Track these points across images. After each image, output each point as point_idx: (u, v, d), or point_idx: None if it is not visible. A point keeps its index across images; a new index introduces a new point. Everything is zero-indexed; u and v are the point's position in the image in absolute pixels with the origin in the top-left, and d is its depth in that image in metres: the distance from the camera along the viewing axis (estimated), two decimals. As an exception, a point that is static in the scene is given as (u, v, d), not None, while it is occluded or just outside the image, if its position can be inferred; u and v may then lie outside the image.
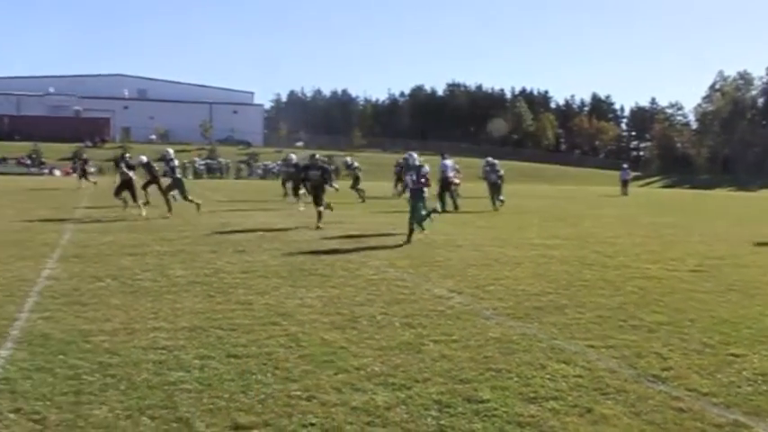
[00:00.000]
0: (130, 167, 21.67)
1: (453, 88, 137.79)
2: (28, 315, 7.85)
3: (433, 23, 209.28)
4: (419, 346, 6.84)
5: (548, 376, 6.00)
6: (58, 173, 66.07)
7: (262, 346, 6.74)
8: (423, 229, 15.89)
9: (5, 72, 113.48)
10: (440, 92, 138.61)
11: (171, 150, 22.13)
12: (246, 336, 7.10)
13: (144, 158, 22.62)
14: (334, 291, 9.55)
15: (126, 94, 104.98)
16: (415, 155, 16.24)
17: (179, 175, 21.24)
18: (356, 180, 32.40)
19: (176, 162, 21.37)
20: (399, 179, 35.84)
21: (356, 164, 34.33)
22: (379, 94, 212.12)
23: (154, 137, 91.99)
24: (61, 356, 6.28)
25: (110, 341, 6.81)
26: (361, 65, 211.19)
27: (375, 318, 8.01)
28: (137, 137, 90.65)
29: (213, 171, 73.39)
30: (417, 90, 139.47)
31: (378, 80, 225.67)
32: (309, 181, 18.97)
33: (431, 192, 16.89)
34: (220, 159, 77.32)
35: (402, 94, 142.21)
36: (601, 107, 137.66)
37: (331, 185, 18.97)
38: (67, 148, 73.99)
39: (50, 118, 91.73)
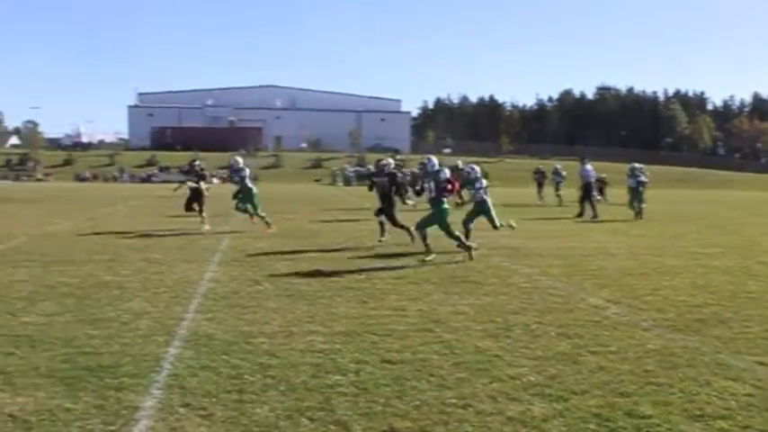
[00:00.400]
0: (201, 177, 19.60)
1: (603, 92, 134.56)
2: (193, 315, 8.24)
3: (581, 27, 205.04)
4: (576, 357, 6.67)
5: (714, 393, 5.69)
6: (215, 181, 69.08)
7: (416, 352, 6.77)
8: (458, 241, 13.44)
9: (168, 87, 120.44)
10: (589, 96, 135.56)
11: (239, 159, 20.06)
12: (400, 341, 7.15)
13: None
14: (486, 298, 9.48)
15: (278, 104, 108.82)
16: (435, 159, 13.83)
17: (250, 185, 19.05)
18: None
19: (247, 171, 19.29)
20: (540, 186, 35.27)
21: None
22: (527, 100, 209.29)
23: (304, 145, 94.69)
24: (224, 356, 6.54)
25: (269, 343, 7.03)
26: (509, 70, 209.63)
27: (529, 327, 7.88)
28: (288, 145, 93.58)
29: (362, 178, 74.49)
30: (566, 94, 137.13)
31: (525, 85, 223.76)
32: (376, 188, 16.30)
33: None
34: (369, 167, 78.52)
35: (550, 99, 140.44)
36: (763, 107, 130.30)
37: (403, 200, 16.20)
38: (224, 157, 77.29)
39: (207, 129, 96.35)
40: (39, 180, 70.27)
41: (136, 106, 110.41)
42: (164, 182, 62.94)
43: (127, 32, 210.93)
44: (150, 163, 77.74)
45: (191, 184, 19.42)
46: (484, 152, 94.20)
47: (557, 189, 33.91)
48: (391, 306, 8.87)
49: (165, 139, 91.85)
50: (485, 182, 15.38)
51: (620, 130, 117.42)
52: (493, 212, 15.12)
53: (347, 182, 69.49)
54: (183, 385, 5.72)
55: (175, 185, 19.98)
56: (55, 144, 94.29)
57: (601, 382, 5.93)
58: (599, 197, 32.11)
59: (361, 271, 11.67)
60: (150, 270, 11.47)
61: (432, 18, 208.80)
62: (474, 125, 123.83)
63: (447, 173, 13.42)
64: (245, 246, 14.91)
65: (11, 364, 6.31)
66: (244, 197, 18.83)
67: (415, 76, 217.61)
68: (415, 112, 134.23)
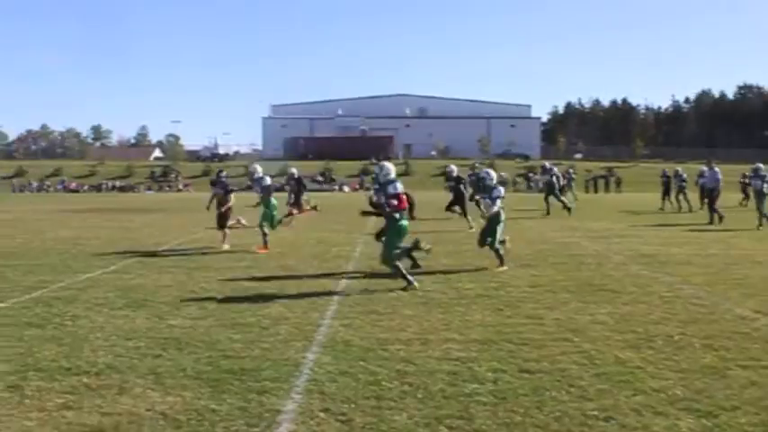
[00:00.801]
0: (229, 191, 17.21)
1: (745, 90, 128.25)
2: (330, 322, 8.38)
3: (717, 25, 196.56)
4: (724, 371, 6.34)
5: None
6: (347, 189, 70.37)
7: (554, 362, 6.62)
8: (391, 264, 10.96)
9: (301, 98, 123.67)
10: (729, 95, 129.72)
11: (258, 167, 17.69)
12: (538, 351, 7.02)
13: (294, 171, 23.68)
14: (625, 308, 9.18)
15: (407, 112, 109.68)
16: (389, 166, 11.17)
17: (272, 198, 16.66)
18: (551, 188, 28.46)
19: (268, 180, 17.09)
20: (667, 191, 33.57)
21: (555, 170, 29.91)
22: (662, 102, 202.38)
23: (434, 153, 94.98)
24: (362, 362, 6.61)
25: (405, 350, 7.05)
26: (642, 72, 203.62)
27: (672, 337, 7.57)
28: (417, 153, 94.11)
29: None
30: (703, 95, 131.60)
31: (660, 87, 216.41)
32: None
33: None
34: (501, 173, 77.87)
35: (687, 101, 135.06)
36: None
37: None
38: (355, 166, 78.76)
39: (339, 138, 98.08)
40: (179, 190, 73.59)
41: (270, 118, 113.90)
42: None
43: (258, 47, 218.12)
44: (283, 172, 79.64)
45: (220, 197, 17.13)
46: (617, 156, 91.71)
47: (678, 194, 32.26)
48: (527, 314, 8.73)
49: (297, 149, 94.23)
50: (502, 190, 13.16)
51: (762, 131, 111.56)
52: (501, 228, 12.93)
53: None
54: (322, 390, 5.82)
55: (207, 204, 17.74)
56: (194, 156, 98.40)
57: (753, 398, 5.62)
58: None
59: (494, 278, 11.56)
60: (286, 277, 11.75)
61: (560, 22, 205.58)
62: (606, 129, 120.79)
63: (399, 186, 10.80)
64: (378, 253, 14.98)
65: (160, 365, 6.61)
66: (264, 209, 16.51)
67: (544, 80, 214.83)
68: (545, 118, 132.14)
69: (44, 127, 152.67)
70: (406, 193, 11.20)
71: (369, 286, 10.86)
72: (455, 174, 23.51)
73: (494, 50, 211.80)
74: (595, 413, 5.26)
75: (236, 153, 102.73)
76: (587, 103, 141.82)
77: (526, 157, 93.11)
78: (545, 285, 10.89)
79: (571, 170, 35.31)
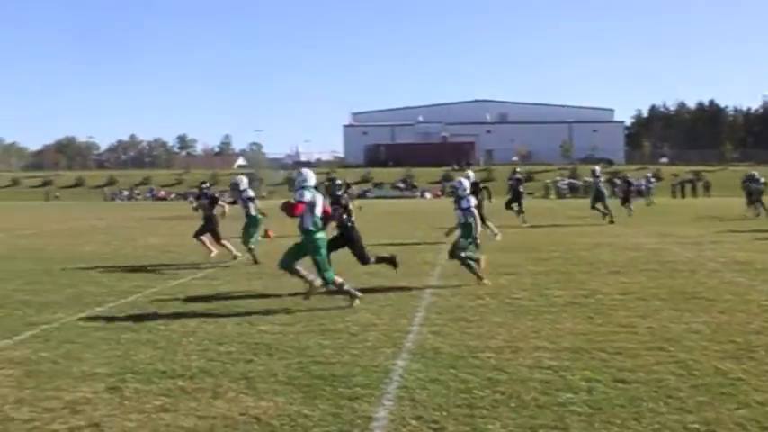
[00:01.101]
0: (213, 202, 16.20)
1: None
2: (418, 328, 8.35)
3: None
4: (834, 384, 6.06)
5: None
6: (428, 195, 70.35)
7: (650, 372, 6.44)
8: (327, 283, 10.03)
9: (381, 105, 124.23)
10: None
11: (244, 178, 16.53)
12: (632, 360, 6.83)
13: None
14: (722, 316, 8.87)
15: (488, 118, 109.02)
16: (306, 174, 10.28)
17: (254, 213, 15.60)
18: (598, 195, 27.02)
19: (251, 193, 16.00)
20: (751, 196, 31.73)
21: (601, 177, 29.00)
22: (752, 103, 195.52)
23: (516, 158, 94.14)
24: (452, 370, 6.56)
25: (496, 358, 6.97)
26: (730, 71, 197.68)
27: (775, 348, 7.28)
28: (499, 159, 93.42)
29: (576, 190, 72.87)
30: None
31: (750, 88, 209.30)
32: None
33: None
34: (586, 179, 76.51)
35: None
36: None
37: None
38: (437, 172, 78.74)
39: (420, 145, 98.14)
40: (263, 198, 74.79)
41: (350, 125, 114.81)
42: (377, 197, 64.90)
43: (339, 55, 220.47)
44: (365, 179, 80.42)
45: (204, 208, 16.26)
46: (704, 160, 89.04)
47: (752, 198, 30.63)
48: (620, 323, 8.52)
49: (378, 156, 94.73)
50: (473, 200, 12.01)
51: None
52: (474, 238, 11.86)
53: (560, 194, 68.16)
54: (413, 397, 5.79)
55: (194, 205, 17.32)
56: (276, 164, 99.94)
57: None
58: None
59: (584, 286, 11.34)
60: (373, 283, 11.78)
61: (642, 24, 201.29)
62: (692, 132, 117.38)
63: (306, 196, 9.84)
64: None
65: (252, 369, 6.70)
66: (248, 225, 15.49)
67: (627, 83, 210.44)
68: (628, 122, 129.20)
69: (133, 137, 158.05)
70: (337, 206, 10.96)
71: (456, 293, 10.78)
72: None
73: (575, 54, 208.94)
74: (696, 426, 5.09)
75: (318, 160, 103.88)
76: (672, 106, 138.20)
77: (610, 162, 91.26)
78: (636, 293, 10.62)
79: (649, 174, 34.25)
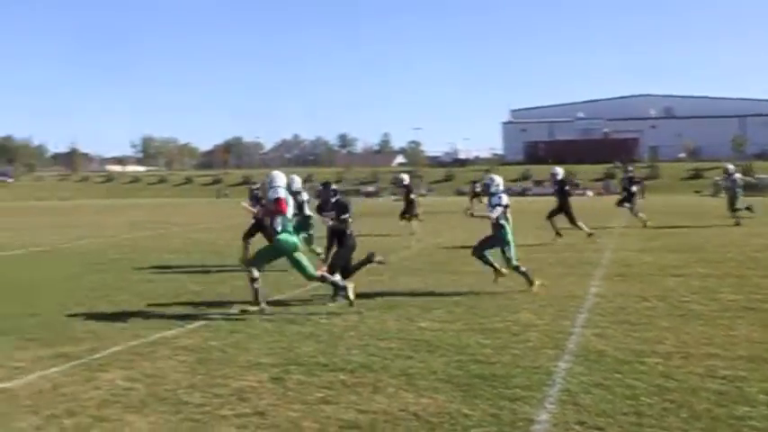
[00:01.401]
0: (258, 201, 15.11)
1: None
2: (581, 330, 8.11)
3: None
4: None
5: None
6: (590, 193, 68.54)
7: (839, 385, 5.94)
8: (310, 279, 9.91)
9: (540, 102, 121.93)
10: None
11: (296, 177, 14.21)
12: (818, 372, 6.33)
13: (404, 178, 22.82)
14: None
15: (652, 113, 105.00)
16: (275, 174, 10.53)
17: (308, 212, 14.02)
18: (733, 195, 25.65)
19: (306, 196, 14.27)
20: None
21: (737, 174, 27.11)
22: None
23: (682, 154, 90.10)
24: (617, 374, 6.32)
25: (664, 364, 6.65)
26: None
27: None
28: (664, 155, 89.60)
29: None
30: None
31: None
32: None
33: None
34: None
35: None
36: None
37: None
38: (598, 169, 76.59)
39: (580, 141, 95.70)
40: (422, 195, 75.33)
41: (509, 122, 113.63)
42: (535, 195, 64.00)
43: (497, 52, 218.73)
44: (524, 177, 79.30)
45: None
46: None
47: None
48: (803, 331, 7.93)
49: (537, 153, 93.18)
50: (505, 198, 11.31)
51: None
52: (512, 244, 11.14)
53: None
54: (576, 402, 5.62)
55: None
56: (435, 161, 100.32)
57: None
58: None
59: (761, 290, 10.61)
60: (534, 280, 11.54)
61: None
62: None
63: (281, 192, 9.79)
64: (629, 259, 14.44)
65: (412, 366, 6.73)
66: (300, 227, 12.57)
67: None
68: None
69: (296, 137, 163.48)
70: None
71: (619, 294, 10.40)
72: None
73: (745, 45, 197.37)
74: None
75: (476, 158, 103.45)
76: None
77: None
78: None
79: None
